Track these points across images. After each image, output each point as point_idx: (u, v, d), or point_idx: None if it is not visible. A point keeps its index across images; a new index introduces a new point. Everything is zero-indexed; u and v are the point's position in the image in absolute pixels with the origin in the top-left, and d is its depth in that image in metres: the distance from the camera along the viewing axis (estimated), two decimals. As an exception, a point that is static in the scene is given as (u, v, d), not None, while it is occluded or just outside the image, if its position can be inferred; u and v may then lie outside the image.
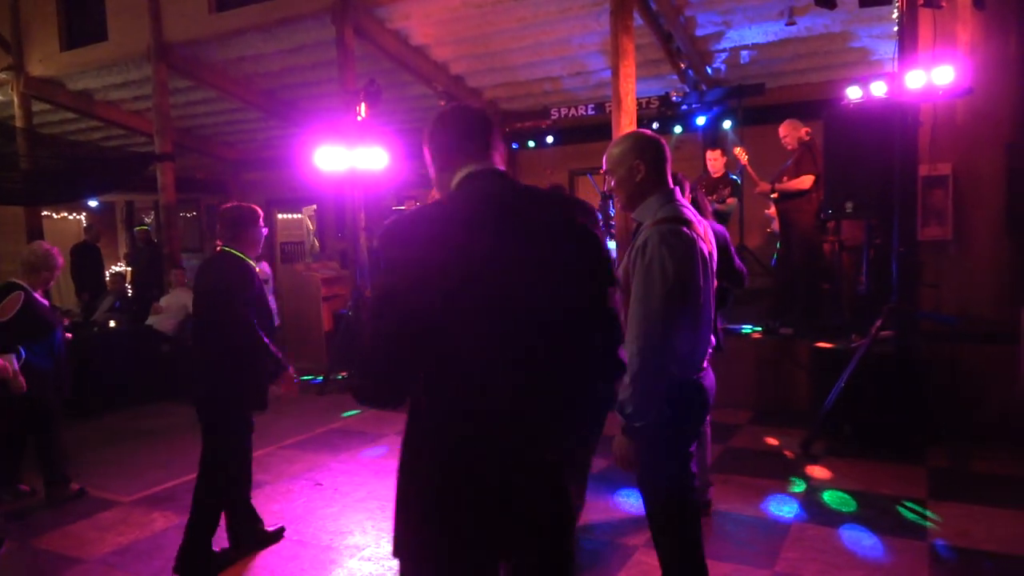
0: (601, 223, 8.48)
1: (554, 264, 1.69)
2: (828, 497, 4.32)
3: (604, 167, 2.61)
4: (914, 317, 5.13)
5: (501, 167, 1.83)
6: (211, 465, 3.66)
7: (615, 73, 6.70)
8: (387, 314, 1.64)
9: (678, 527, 2.66)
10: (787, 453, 5.14)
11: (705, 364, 2.60)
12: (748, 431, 5.68)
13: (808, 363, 5.80)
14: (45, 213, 14.66)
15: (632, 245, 2.49)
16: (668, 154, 2.54)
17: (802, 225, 6.35)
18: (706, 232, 2.60)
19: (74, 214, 15.05)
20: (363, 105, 7.78)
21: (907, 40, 4.99)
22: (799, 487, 4.50)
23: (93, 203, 14.41)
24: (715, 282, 2.68)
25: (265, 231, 3.87)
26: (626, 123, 6.74)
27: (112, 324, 7.52)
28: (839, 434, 5.30)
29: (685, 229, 2.40)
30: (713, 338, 2.72)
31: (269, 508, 4.47)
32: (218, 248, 3.75)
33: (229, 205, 3.83)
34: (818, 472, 4.75)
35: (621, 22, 6.63)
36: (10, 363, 4.40)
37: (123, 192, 13.62)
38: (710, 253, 2.54)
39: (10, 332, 4.49)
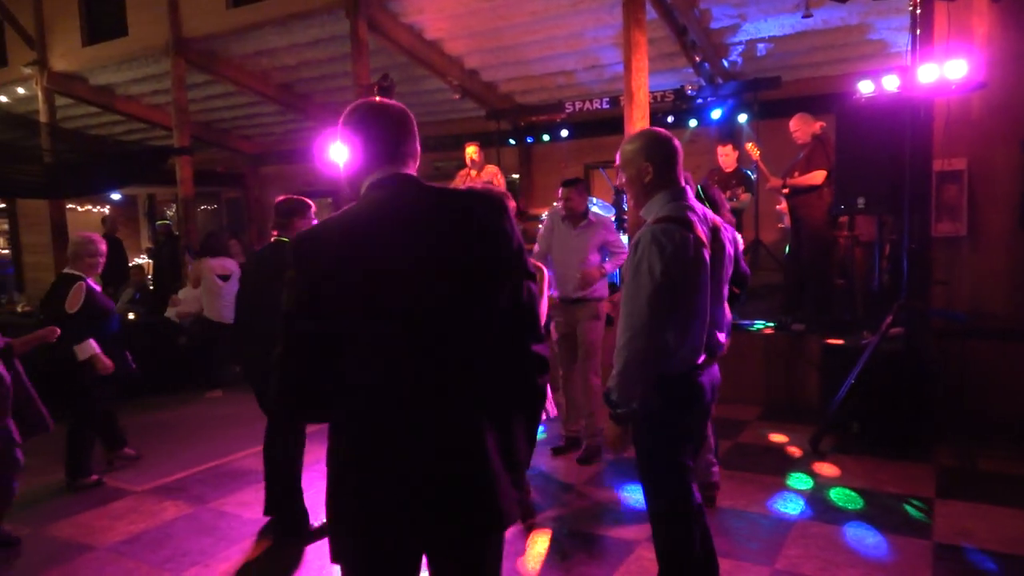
0: (613, 217, 8.48)
1: (459, 265, 1.69)
2: (833, 494, 4.30)
3: (617, 163, 2.65)
4: (924, 314, 5.07)
5: (410, 170, 1.80)
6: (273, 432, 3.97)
7: (627, 67, 6.68)
8: (299, 327, 1.65)
9: (667, 524, 2.69)
10: (794, 450, 5.12)
11: (702, 360, 2.59)
12: (756, 427, 5.66)
13: (818, 360, 5.76)
14: (70, 206, 14.90)
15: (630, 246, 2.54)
16: (679, 153, 2.55)
17: (813, 220, 6.30)
18: (721, 232, 2.62)
19: (98, 207, 15.27)
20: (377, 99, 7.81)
21: (921, 33, 4.92)
22: (805, 484, 4.48)
23: (116, 196, 14.60)
24: (725, 280, 2.69)
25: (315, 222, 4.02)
26: (638, 117, 6.72)
27: (131, 316, 7.65)
28: (847, 431, 5.27)
29: (679, 229, 2.40)
30: (723, 337, 2.73)
31: (277, 499, 4.55)
32: (273, 238, 3.99)
33: (283, 197, 4.02)
34: (825, 469, 4.72)
35: (633, 15, 6.60)
36: (92, 348, 4.67)
37: (144, 185, 13.80)
38: (715, 252, 2.53)
39: (80, 321, 4.67)
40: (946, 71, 4.63)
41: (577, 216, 4.99)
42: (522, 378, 1.80)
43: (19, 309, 11.49)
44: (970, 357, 5.23)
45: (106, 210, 15.22)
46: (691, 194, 2.57)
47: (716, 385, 2.74)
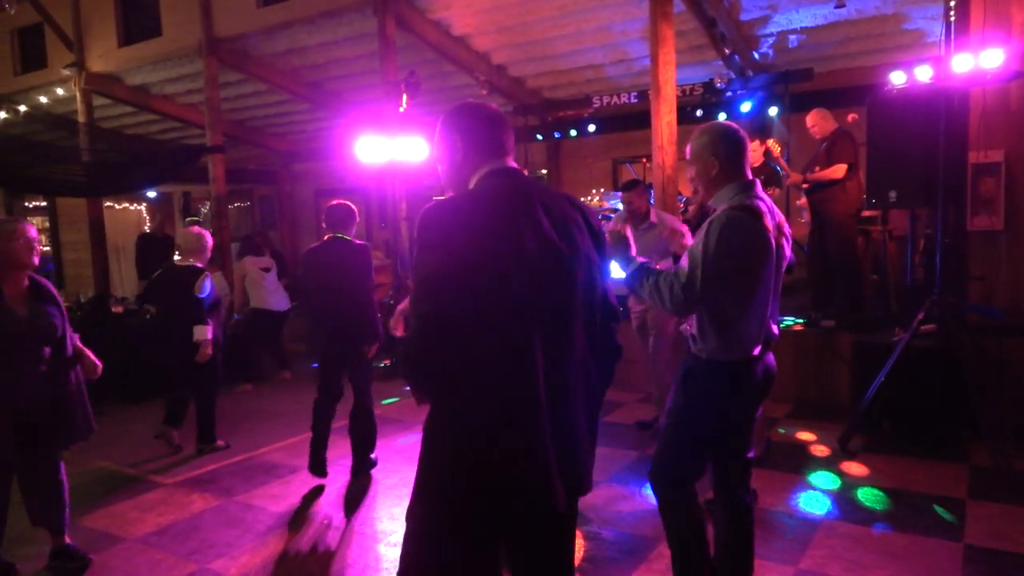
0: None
1: (578, 256, 1.82)
2: (862, 494, 4.22)
3: (686, 156, 2.72)
4: (958, 310, 4.95)
5: (516, 166, 1.92)
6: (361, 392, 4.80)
7: (654, 60, 6.61)
8: (431, 296, 1.67)
9: (674, 513, 2.79)
10: (823, 448, 5.03)
11: (757, 351, 2.62)
12: (786, 424, 5.57)
13: (849, 356, 5.65)
14: (107, 204, 15.25)
15: (700, 229, 2.58)
16: (746, 146, 2.61)
17: (836, 215, 6.15)
18: (781, 225, 2.63)
19: (134, 204, 15.57)
20: (404, 96, 7.85)
21: (956, 21, 4.79)
22: (833, 483, 4.40)
23: (151, 194, 14.88)
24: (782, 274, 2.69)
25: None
26: (665, 111, 6.65)
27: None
28: (878, 430, 5.18)
29: (750, 218, 2.45)
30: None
31: (302, 492, 4.60)
32: (327, 237, 4.73)
33: (335, 203, 4.77)
34: (854, 468, 4.64)
35: (660, 8, 6.53)
36: (206, 334, 5.25)
37: (178, 183, 14.03)
38: (778, 245, 2.57)
39: (202, 307, 5.27)
40: (982, 60, 4.49)
41: (639, 217, 5.06)
42: (610, 365, 1.99)
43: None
44: (1007, 354, 5.09)
45: (143, 208, 15.56)
46: (759, 186, 2.61)
47: (771, 375, 2.74)
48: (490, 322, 1.69)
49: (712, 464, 2.81)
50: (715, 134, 2.62)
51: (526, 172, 1.93)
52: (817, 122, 6.26)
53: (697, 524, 2.79)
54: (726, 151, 2.58)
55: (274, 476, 4.92)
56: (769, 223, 2.49)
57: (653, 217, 5.20)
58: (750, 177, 2.60)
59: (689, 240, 5.01)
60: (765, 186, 7.09)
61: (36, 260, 3.48)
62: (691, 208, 4.90)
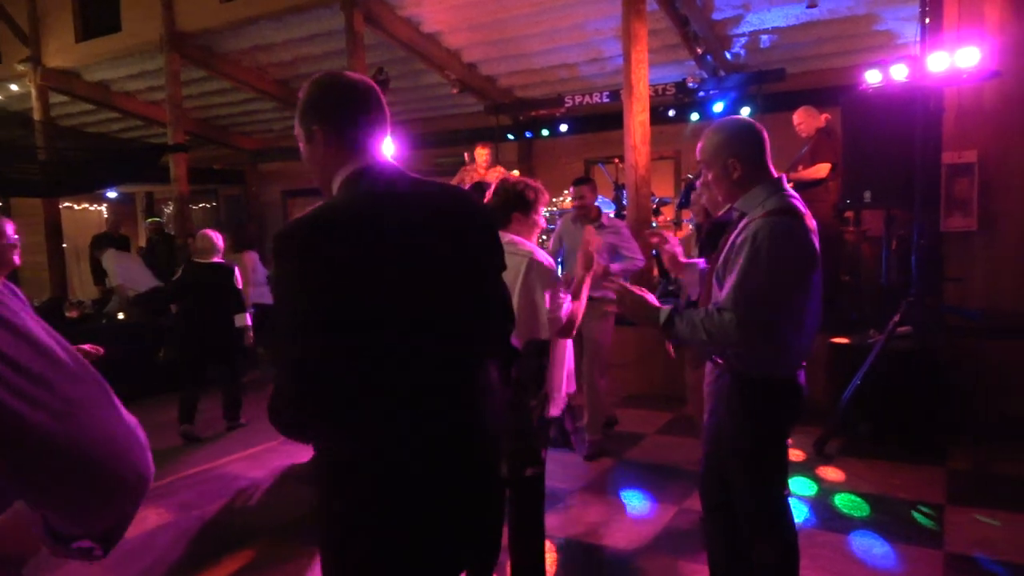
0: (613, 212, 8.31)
1: (465, 261, 1.62)
2: (840, 501, 4.13)
3: (699, 157, 2.42)
4: (934, 312, 4.90)
5: (386, 157, 1.64)
6: None
7: (627, 59, 6.52)
8: (301, 333, 1.42)
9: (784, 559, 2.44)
10: (799, 452, 4.94)
11: (803, 365, 2.43)
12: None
13: (825, 359, 5.59)
14: (67, 204, 14.81)
15: (733, 239, 2.29)
16: (767, 141, 2.34)
17: (819, 216, 6.08)
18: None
19: (95, 205, 15.16)
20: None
21: (931, 20, 4.74)
22: (809, 489, 4.31)
23: (112, 194, 14.48)
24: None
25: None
26: (638, 110, 6.56)
27: (121, 316, 7.50)
28: (855, 433, 5.10)
29: (798, 223, 2.20)
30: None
31: (263, 503, 4.41)
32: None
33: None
34: (831, 474, 4.55)
35: (633, 6, 6.44)
36: (247, 320, 5.94)
37: (140, 183, 13.66)
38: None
39: (240, 297, 5.98)
40: (957, 59, 4.45)
41: (590, 216, 4.89)
42: (507, 370, 1.86)
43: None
44: (984, 356, 5.05)
45: (103, 208, 15.13)
46: (788, 185, 2.35)
47: (806, 390, 2.47)
48: (372, 355, 1.46)
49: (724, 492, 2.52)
50: (732, 132, 2.35)
51: (398, 166, 1.64)
52: (804, 120, 6.20)
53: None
54: (748, 149, 2.29)
55: (233, 488, 4.71)
56: (812, 223, 2.25)
57: (605, 220, 5.00)
58: (776, 174, 2.32)
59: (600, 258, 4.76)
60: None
61: (18, 260, 3.12)
62: (693, 213, 4.59)
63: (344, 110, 1.59)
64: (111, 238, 10.57)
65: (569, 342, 3.11)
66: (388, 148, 1.68)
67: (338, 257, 1.42)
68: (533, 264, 2.76)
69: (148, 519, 4.25)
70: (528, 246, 2.84)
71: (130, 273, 8.63)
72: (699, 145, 2.40)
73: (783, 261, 2.14)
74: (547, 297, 2.80)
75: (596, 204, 5.05)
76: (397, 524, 1.49)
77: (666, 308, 2.34)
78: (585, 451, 4.91)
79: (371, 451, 1.50)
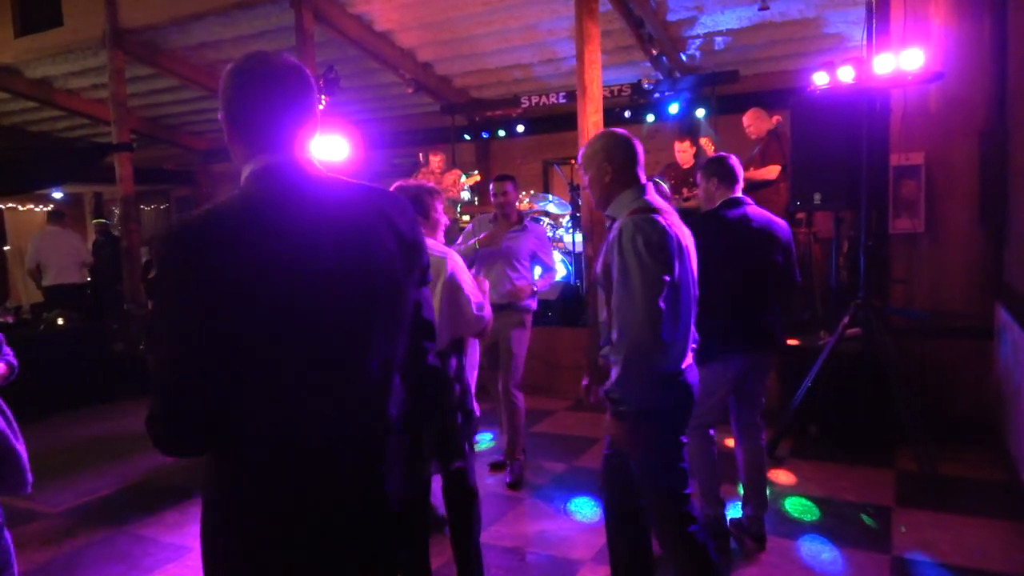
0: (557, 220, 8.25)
1: (376, 270, 1.47)
2: (790, 505, 4.11)
3: (579, 161, 2.66)
4: (882, 313, 4.92)
5: (307, 154, 1.49)
6: None
7: (579, 59, 6.44)
8: (180, 342, 1.31)
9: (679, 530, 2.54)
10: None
11: (690, 359, 2.54)
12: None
13: (776, 361, 5.58)
14: (10, 205, 14.32)
15: (608, 241, 2.48)
16: (639, 151, 2.56)
17: (770, 217, 6.12)
18: (681, 224, 2.57)
19: (40, 206, 14.65)
20: (326, 94, 7.50)
21: (877, 21, 4.76)
22: (760, 493, 4.28)
23: (58, 194, 14.00)
24: (695, 276, 2.57)
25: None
26: (591, 111, 6.48)
27: (60, 322, 7.22)
28: (805, 435, 5.11)
29: (657, 217, 2.39)
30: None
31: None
32: None
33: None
34: (781, 477, 4.54)
35: (585, 5, 6.35)
36: None
37: (84, 183, 13.25)
38: (686, 245, 2.50)
39: None
40: (902, 61, 4.46)
41: (512, 217, 4.72)
42: (423, 390, 1.74)
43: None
44: (930, 356, 5.10)
45: (49, 209, 14.62)
46: (654, 190, 2.55)
47: (698, 385, 2.59)
48: (265, 360, 1.35)
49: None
50: (607, 140, 2.58)
51: (311, 164, 1.48)
52: (753, 122, 6.21)
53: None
54: (621, 156, 2.53)
55: (170, 501, 4.51)
56: (671, 220, 2.44)
57: (528, 223, 4.77)
58: (645, 182, 2.54)
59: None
60: (688, 185, 7.02)
61: None
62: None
63: (251, 98, 1.43)
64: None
65: (476, 342, 3.30)
66: (311, 143, 1.51)
67: (218, 264, 1.30)
68: (453, 265, 2.93)
69: (79, 536, 4.06)
70: (442, 247, 3.00)
71: (51, 249, 8.33)
72: (581, 151, 2.64)
73: (641, 256, 2.30)
74: (469, 297, 2.94)
75: (516, 204, 4.82)
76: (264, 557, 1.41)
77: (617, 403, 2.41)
78: (508, 478, 4.59)
79: (248, 478, 1.39)
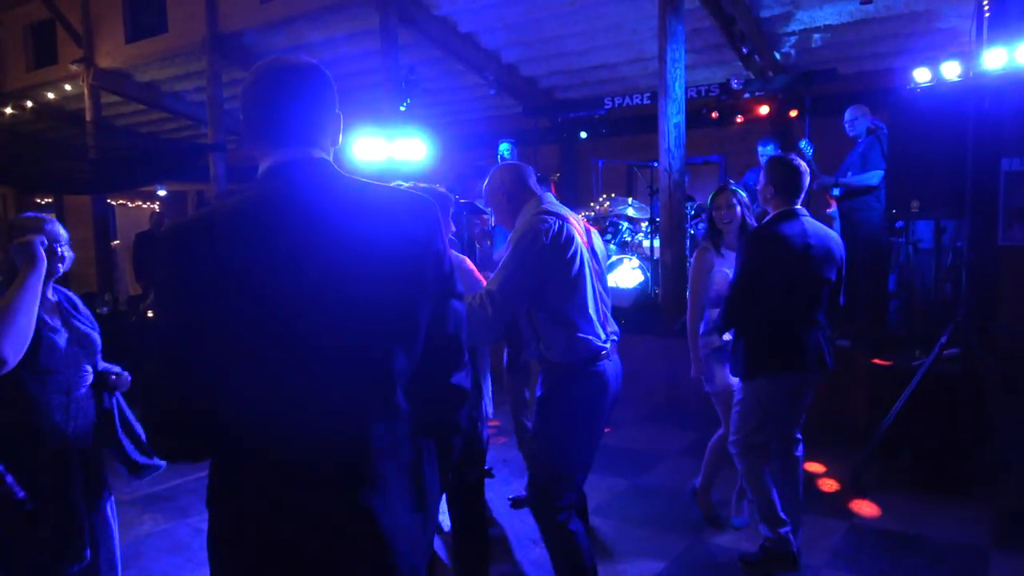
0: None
1: (384, 283, 1.39)
2: (871, 540, 3.76)
3: (484, 200, 2.89)
4: (984, 333, 4.46)
5: (324, 154, 1.45)
6: None
7: (661, 58, 6.22)
8: (179, 348, 1.29)
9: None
10: (833, 483, 4.57)
11: (605, 352, 2.65)
12: (794, 453, 5.10)
13: (865, 381, 5.18)
14: (121, 202, 15.21)
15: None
16: (528, 171, 2.80)
17: (869, 225, 5.70)
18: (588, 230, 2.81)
19: (147, 203, 15.50)
20: (407, 96, 7.56)
21: (990, 9, 4.32)
22: (840, 526, 3.94)
23: (162, 192, 14.77)
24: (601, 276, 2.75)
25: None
26: (673, 112, 6.24)
27: (151, 314, 7.54)
28: (896, 461, 4.69)
29: (555, 218, 2.60)
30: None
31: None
32: None
33: None
34: (865, 508, 4.17)
35: (669, 2, 6.12)
36: None
37: (185, 182, 13.91)
38: (589, 244, 2.73)
39: None
40: (1018, 55, 4.02)
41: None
42: (441, 413, 1.59)
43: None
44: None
45: (156, 206, 15.46)
46: (552, 198, 2.79)
47: (616, 379, 2.71)
48: (260, 371, 1.31)
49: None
50: (497, 175, 2.80)
51: (329, 165, 1.45)
52: (856, 118, 5.80)
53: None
54: (510, 182, 2.76)
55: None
56: (572, 222, 2.65)
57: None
58: (541, 193, 2.76)
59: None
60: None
61: (61, 270, 2.47)
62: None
63: (260, 97, 1.42)
64: (153, 236, 10.71)
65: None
66: (332, 142, 1.50)
67: (209, 264, 1.28)
68: (461, 265, 2.99)
69: (143, 525, 4.17)
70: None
71: None
72: (484, 188, 2.85)
73: (525, 252, 2.52)
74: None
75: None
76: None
77: None
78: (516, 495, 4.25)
79: (230, 492, 1.36)
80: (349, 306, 1.35)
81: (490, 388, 3.74)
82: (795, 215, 3.18)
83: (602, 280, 2.75)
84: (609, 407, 2.68)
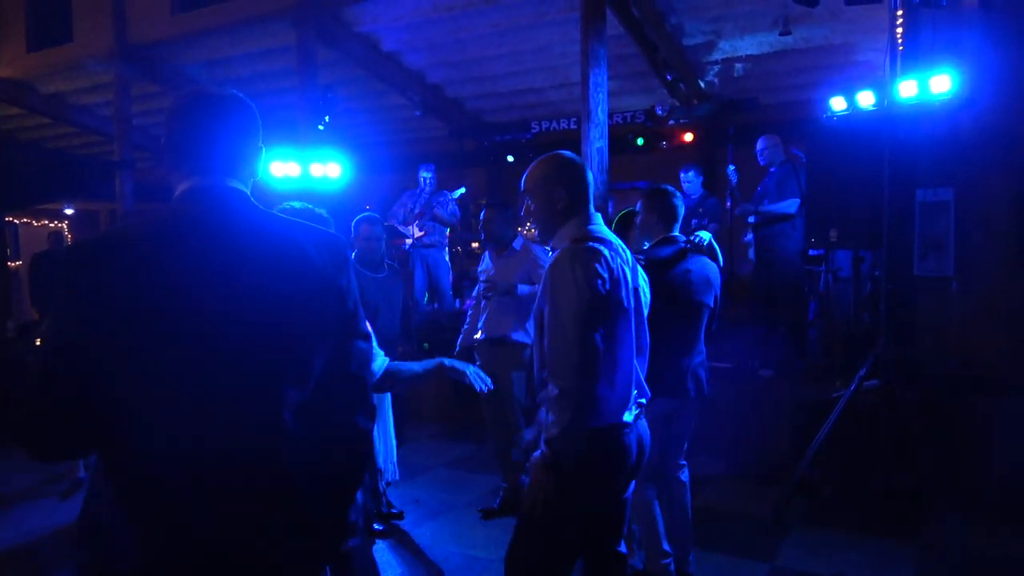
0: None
1: (280, 318, 1.39)
2: (791, 582, 3.60)
3: (523, 187, 2.34)
4: (905, 364, 4.42)
5: (241, 185, 1.48)
6: None
7: (584, 81, 6.09)
8: (53, 355, 1.28)
9: None
10: (753, 519, 4.42)
11: (633, 414, 2.20)
12: (716, 488, 4.95)
13: (787, 413, 5.09)
14: (25, 220, 14.34)
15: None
16: (589, 177, 2.28)
17: (786, 253, 5.66)
18: (639, 269, 2.36)
19: (54, 222, 14.65)
20: (325, 115, 7.27)
21: (903, 43, 4.33)
22: (760, 568, 3.77)
23: (69, 211, 14.00)
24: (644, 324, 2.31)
25: None
26: (596, 137, 6.11)
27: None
28: (818, 496, 4.58)
29: (601, 247, 2.13)
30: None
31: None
32: None
33: None
34: (786, 546, 4.02)
35: (591, 26, 6.02)
36: None
37: (92, 200, 13.23)
38: (636, 286, 2.25)
39: None
40: (929, 86, 4.01)
41: (500, 242, 4.37)
42: (342, 455, 1.53)
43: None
44: (962, 414, 4.55)
45: (64, 225, 14.62)
46: (602, 221, 2.29)
47: (645, 449, 2.25)
48: (154, 387, 1.31)
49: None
50: (558, 162, 2.27)
51: (236, 193, 1.47)
52: (767, 147, 5.79)
53: None
54: (573, 180, 2.23)
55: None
56: (617, 259, 2.18)
57: (518, 246, 4.47)
58: (593, 211, 2.27)
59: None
60: (697, 216, 6.58)
61: None
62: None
63: (181, 123, 1.47)
64: (53, 258, 10.01)
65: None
66: (249, 172, 1.54)
67: (105, 285, 1.29)
68: None
69: None
70: None
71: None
72: (525, 175, 2.32)
73: (587, 289, 2.02)
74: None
75: (506, 230, 4.51)
76: None
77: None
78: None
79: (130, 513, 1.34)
80: (241, 337, 1.36)
81: (394, 447, 3.51)
82: (675, 241, 3.30)
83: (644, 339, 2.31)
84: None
